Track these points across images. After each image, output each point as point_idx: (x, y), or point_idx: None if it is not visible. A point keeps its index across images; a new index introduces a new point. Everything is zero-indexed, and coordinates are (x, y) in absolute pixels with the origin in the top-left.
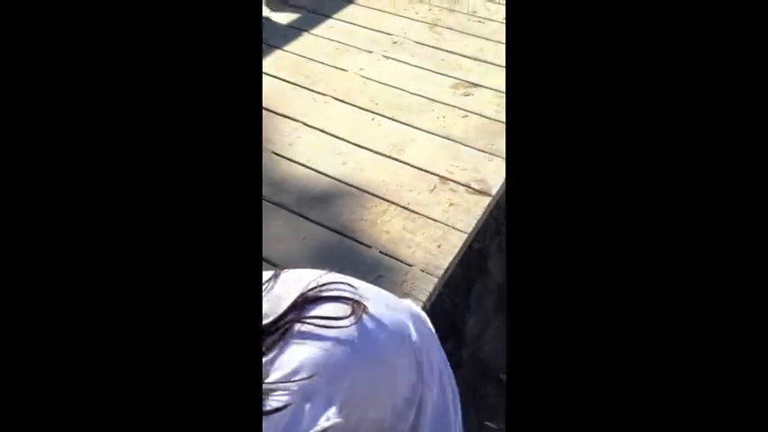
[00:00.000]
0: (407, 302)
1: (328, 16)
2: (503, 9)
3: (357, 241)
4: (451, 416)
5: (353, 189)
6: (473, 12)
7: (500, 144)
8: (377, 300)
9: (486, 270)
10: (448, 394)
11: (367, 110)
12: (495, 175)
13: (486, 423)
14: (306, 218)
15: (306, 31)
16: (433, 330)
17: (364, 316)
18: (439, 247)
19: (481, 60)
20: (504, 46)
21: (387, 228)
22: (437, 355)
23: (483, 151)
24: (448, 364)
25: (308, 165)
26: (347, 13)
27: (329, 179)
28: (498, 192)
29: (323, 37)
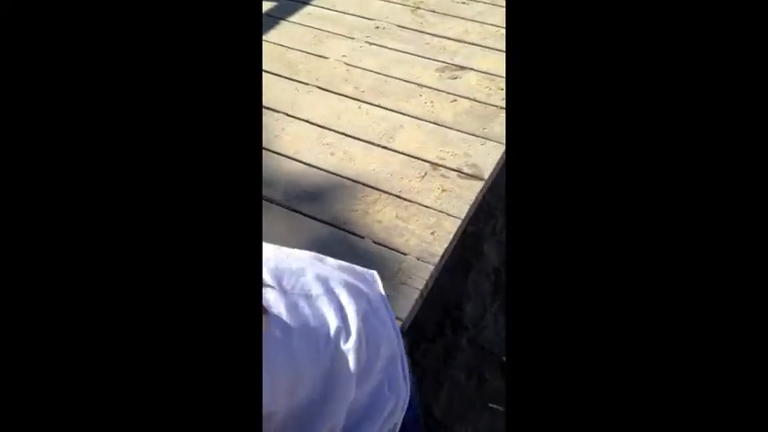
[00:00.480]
0: (351, 280)
1: (306, 3)
2: None
3: (350, 232)
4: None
5: (343, 179)
6: None
7: (491, 127)
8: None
9: (481, 253)
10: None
11: (352, 98)
12: (486, 158)
13: (491, 405)
14: (297, 211)
15: (283, 19)
16: (381, 294)
17: (271, 324)
18: (433, 234)
19: (466, 42)
20: (489, 27)
21: (379, 217)
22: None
23: (473, 135)
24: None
25: (295, 157)
26: None
27: (318, 170)
28: (491, 175)
29: (302, 24)
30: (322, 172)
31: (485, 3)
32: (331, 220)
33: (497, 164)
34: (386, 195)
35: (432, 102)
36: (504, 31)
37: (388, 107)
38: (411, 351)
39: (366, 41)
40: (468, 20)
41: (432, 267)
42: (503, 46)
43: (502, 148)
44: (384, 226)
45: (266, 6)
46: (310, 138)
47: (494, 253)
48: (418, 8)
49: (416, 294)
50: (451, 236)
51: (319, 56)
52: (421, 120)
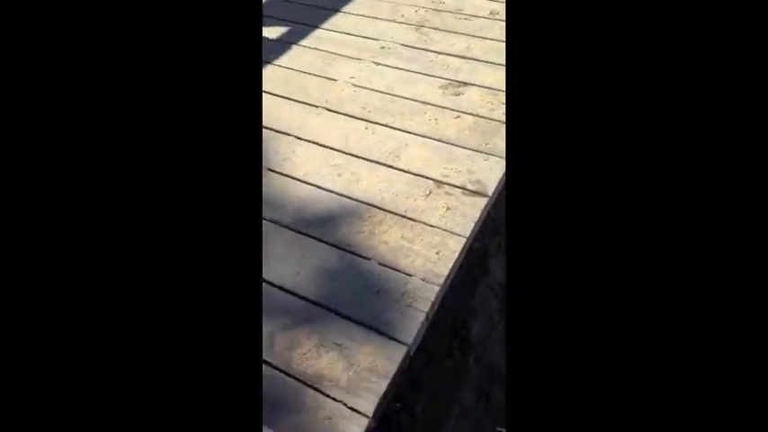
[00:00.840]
0: None
1: (315, 26)
2: (487, 5)
3: (356, 254)
4: None
5: (350, 201)
6: (458, 10)
7: (494, 143)
8: None
9: (487, 270)
10: None
11: (359, 118)
12: (490, 174)
13: (499, 429)
14: (305, 234)
15: (294, 43)
16: None
17: None
18: (438, 253)
19: (468, 58)
20: (490, 42)
21: (385, 238)
22: None
23: (477, 151)
24: None
25: (304, 179)
26: (333, 22)
27: (325, 192)
28: (495, 191)
29: (311, 48)
30: (330, 194)
31: (486, 18)
32: (338, 243)
33: (501, 179)
34: (391, 216)
35: (436, 119)
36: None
37: (394, 126)
38: (419, 375)
39: (372, 62)
40: (470, 35)
41: (437, 289)
42: (504, 60)
43: (505, 163)
44: (390, 247)
45: (278, 32)
46: (319, 159)
47: (500, 269)
48: (422, 26)
49: (422, 317)
50: (456, 255)
51: (328, 78)
52: (426, 137)
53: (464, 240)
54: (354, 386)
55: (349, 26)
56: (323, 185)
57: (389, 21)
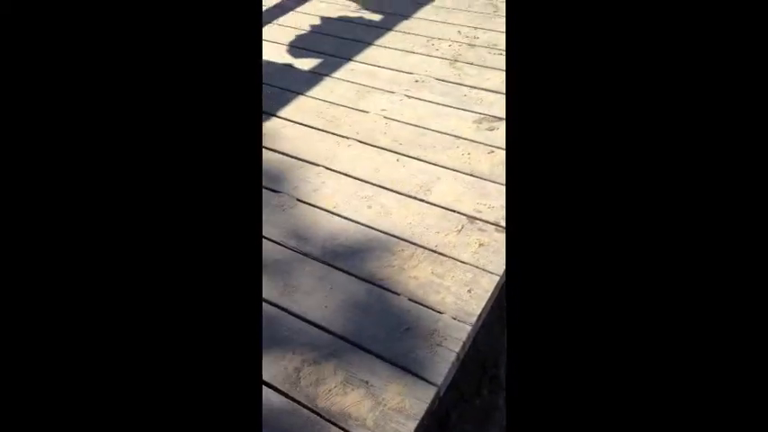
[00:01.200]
0: None
1: (349, 59)
2: None
3: (385, 288)
4: None
5: (380, 234)
6: (493, 45)
7: None
8: None
9: None
10: None
11: (391, 150)
12: None
13: None
14: (333, 266)
15: (327, 75)
16: None
17: None
18: (470, 291)
19: (503, 93)
20: None
21: (415, 273)
22: None
23: None
24: None
25: (333, 211)
26: (368, 54)
27: (355, 224)
28: None
29: (344, 80)
30: (359, 226)
31: None
32: (367, 276)
33: None
34: (422, 250)
35: (469, 153)
36: None
37: (426, 159)
38: (447, 413)
39: (405, 95)
40: (504, 71)
41: (469, 328)
42: None
43: None
44: (420, 282)
45: (311, 64)
46: (349, 191)
47: None
48: (456, 61)
49: (453, 357)
50: (489, 294)
51: (360, 110)
52: (458, 172)
53: (497, 279)
54: (381, 426)
55: (383, 59)
56: (352, 217)
57: (424, 55)
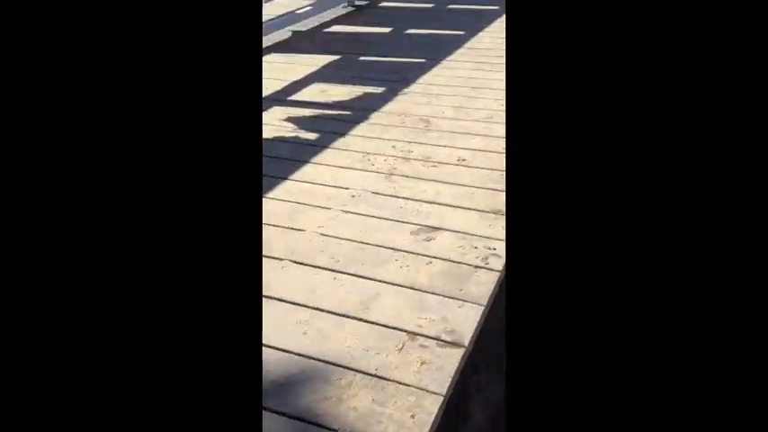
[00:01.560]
0: None
1: (285, 178)
2: (455, 152)
3: (321, 426)
4: None
5: (316, 362)
6: (427, 158)
7: (467, 288)
8: None
9: (468, 416)
10: None
11: (327, 269)
12: (466, 322)
13: None
14: (265, 408)
15: (262, 196)
16: None
17: None
18: (413, 417)
19: (438, 203)
20: (460, 187)
21: (353, 403)
22: None
23: (450, 297)
24: None
25: (265, 343)
26: (304, 172)
27: (289, 355)
28: (470, 341)
29: (279, 200)
30: (293, 356)
31: (454, 164)
32: (302, 414)
33: (477, 327)
34: (361, 376)
35: (408, 266)
36: (474, 190)
37: (364, 275)
38: None
39: (342, 210)
40: (439, 182)
41: None
42: (474, 205)
43: (480, 310)
44: (359, 414)
45: None
46: (283, 318)
47: (480, 412)
48: (392, 174)
49: None
50: (432, 417)
51: (295, 229)
52: (397, 285)
53: (441, 399)
54: None
55: (320, 177)
56: (286, 347)
57: (360, 170)
